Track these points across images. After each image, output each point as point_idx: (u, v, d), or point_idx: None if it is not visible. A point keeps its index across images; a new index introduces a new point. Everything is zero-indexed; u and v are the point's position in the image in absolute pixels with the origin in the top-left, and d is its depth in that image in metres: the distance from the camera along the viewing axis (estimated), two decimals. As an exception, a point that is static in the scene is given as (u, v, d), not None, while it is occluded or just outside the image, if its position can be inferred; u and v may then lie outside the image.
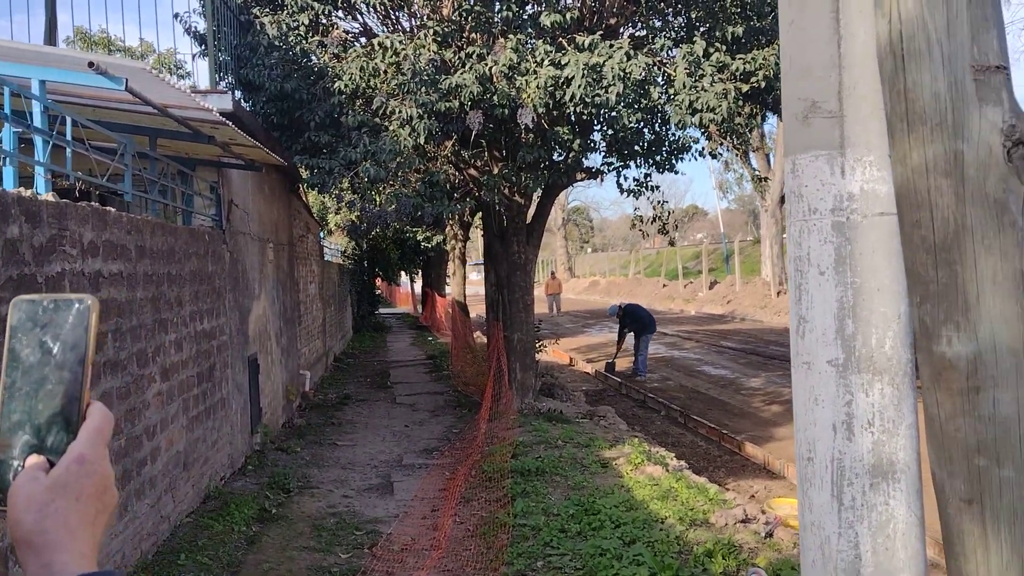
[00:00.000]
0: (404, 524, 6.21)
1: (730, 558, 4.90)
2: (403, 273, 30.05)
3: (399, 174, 8.67)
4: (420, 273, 29.75)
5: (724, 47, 8.45)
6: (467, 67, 8.06)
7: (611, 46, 7.96)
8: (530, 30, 8.51)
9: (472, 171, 10.08)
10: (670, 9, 9.49)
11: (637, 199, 10.24)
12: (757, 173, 25.62)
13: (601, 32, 8.43)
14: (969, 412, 1.37)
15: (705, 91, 8.12)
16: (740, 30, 8.36)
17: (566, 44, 8.27)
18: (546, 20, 8.07)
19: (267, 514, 6.45)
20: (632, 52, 7.98)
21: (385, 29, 9.75)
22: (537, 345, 11.89)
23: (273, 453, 8.56)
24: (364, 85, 8.38)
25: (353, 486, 7.45)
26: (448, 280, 23.18)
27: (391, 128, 8.20)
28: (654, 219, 10.71)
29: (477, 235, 21.68)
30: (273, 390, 9.63)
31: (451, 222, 17.91)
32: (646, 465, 7.27)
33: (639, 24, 9.60)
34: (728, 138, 10.25)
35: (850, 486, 2.77)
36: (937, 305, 1.41)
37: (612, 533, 5.50)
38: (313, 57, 8.99)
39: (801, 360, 2.91)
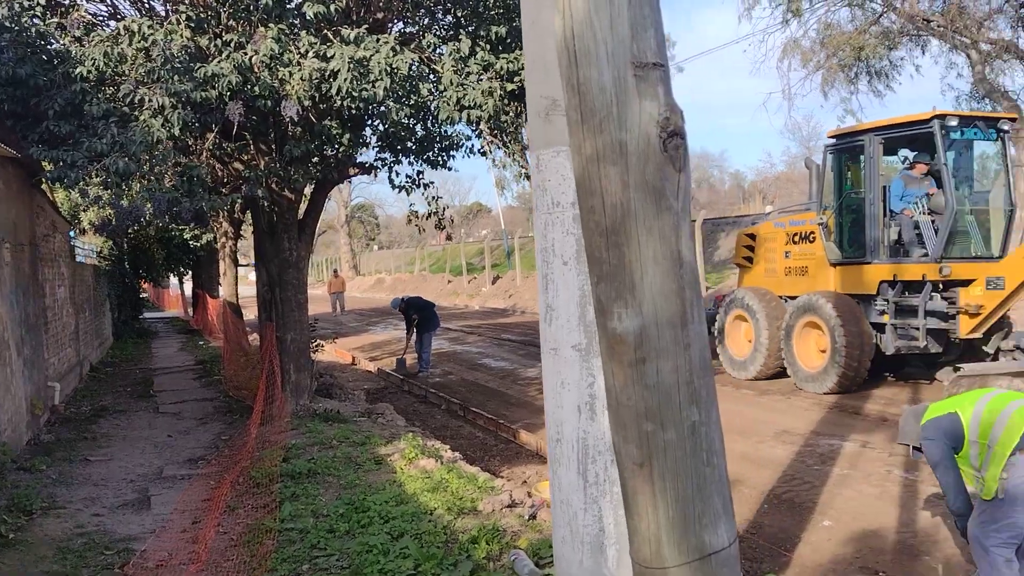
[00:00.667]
0: (161, 539, 5.85)
1: (494, 543, 5.05)
2: (171, 275, 28.26)
3: (154, 168, 8.13)
4: (191, 274, 28.13)
5: (489, 47, 8.66)
6: (225, 56, 7.69)
7: (378, 40, 7.91)
8: (293, 20, 8.28)
9: (238, 165, 9.65)
10: (438, 7, 9.59)
11: (409, 195, 10.27)
12: (525, 171, 26.49)
13: (368, 26, 8.36)
14: (637, 381, 1.49)
15: (472, 88, 8.28)
16: (503, 30, 8.60)
17: (332, 37, 8.12)
18: (310, 11, 7.87)
19: (2, 539, 5.83)
20: (399, 47, 7.98)
21: (137, 12, 9.10)
22: (313, 345, 11.61)
23: (14, 474, 7.75)
24: (110, 71, 7.77)
25: (106, 503, 6.91)
26: (220, 281, 22.13)
27: (142, 118, 7.66)
28: (429, 215, 10.78)
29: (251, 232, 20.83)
30: (14, 405, 8.71)
31: (218, 220, 17.06)
32: (420, 459, 7.32)
33: (407, 20, 9.62)
34: (498, 136, 10.53)
35: (593, 463, 2.92)
36: (609, 284, 1.52)
37: (381, 529, 5.49)
38: (52, 40, 8.21)
39: (549, 346, 3.04)
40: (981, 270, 9.99)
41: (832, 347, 10.58)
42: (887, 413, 9.72)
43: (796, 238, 12.15)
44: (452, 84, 8.31)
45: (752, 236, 13.16)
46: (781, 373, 11.84)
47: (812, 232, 11.77)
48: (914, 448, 4.44)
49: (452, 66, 8.34)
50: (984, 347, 10.54)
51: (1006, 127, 10.51)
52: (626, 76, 1.43)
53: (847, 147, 11.40)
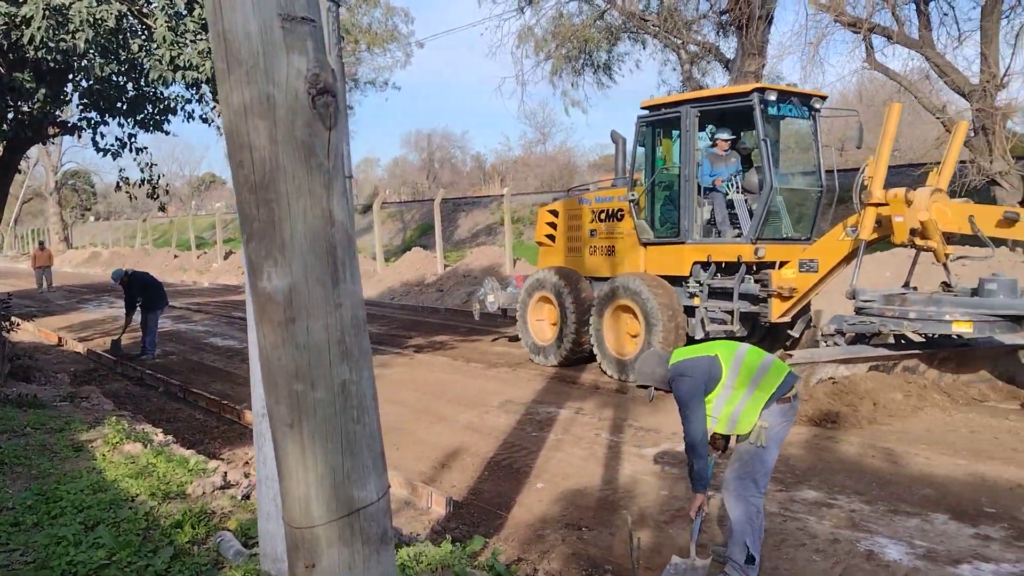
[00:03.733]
0: None
1: (200, 526, 4.81)
2: None
3: None
4: None
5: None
6: None
7: (78, -14, 7.17)
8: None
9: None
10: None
11: (115, 159, 9.45)
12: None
13: (67, -31, 7.53)
14: (288, 341, 1.47)
15: (188, 47, 7.76)
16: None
17: (23, -23, 7.23)
18: (-7, -55, 6.96)
19: None
20: (104, -4, 7.29)
21: None
22: (6, 324, 10.38)
23: None
24: None
25: None
26: None
27: None
28: (142, 183, 9.98)
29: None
30: None
31: None
32: (125, 444, 6.80)
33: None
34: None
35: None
36: (259, 243, 1.48)
37: (74, 519, 5.02)
38: None
39: (256, 320, 2.92)
40: (794, 252, 9.76)
41: (647, 332, 10.00)
42: (600, 382, 10.50)
43: (603, 216, 11.42)
44: (165, 41, 7.74)
45: (555, 213, 12.36)
46: (589, 358, 11.21)
47: (621, 210, 11.07)
48: (656, 388, 4.48)
49: (166, 22, 7.76)
50: (790, 331, 10.49)
51: (818, 105, 10.26)
52: (273, 27, 1.39)
53: (661, 119, 10.63)
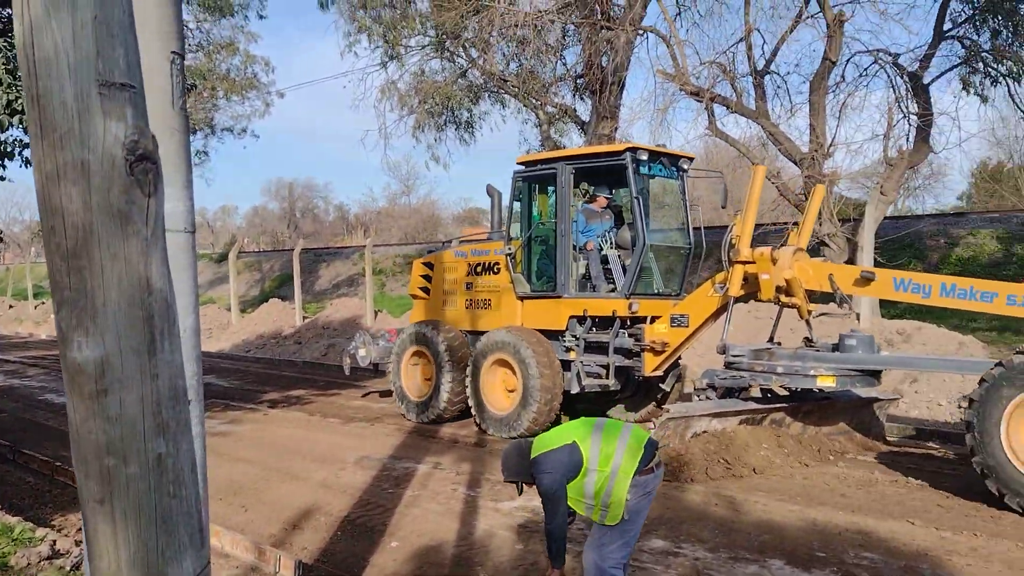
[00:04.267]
0: None
1: (20, 603, 4.45)
2: None
3: None
4: None
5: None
6: None
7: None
8: None
9: None
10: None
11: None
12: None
13: None
14: (99, 414, 1.42)
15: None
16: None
17: None
18: None
19: None
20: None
21: None
22: None
23: None
24: None
25: None
26: None
27: None
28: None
29: None
30: None
31: None
32: (-63, 514, 6.21)
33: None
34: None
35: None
36: (70, 311, 1.43)
37: None
38: None
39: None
40: (665, 307, 9.98)
41: (525, 387, 9.91)
42: (459, 435, 10.49)
43: (479, 269, 11.39)
44: (2, 84, 7.34)
45: (430, 265, 12.23)
46: (464, 414, 11.06)
47: (497, 263, 11.09)
48: (523, 483, 4.43)
49: (3, 64, 7.37)
50: (661, 384, 10.72)
51: (686, 166, 10.66)
52: (91, 93, 1.37)
53: (536, 175, 10.88)
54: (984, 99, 16.86)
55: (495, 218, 11.75)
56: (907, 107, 16.26)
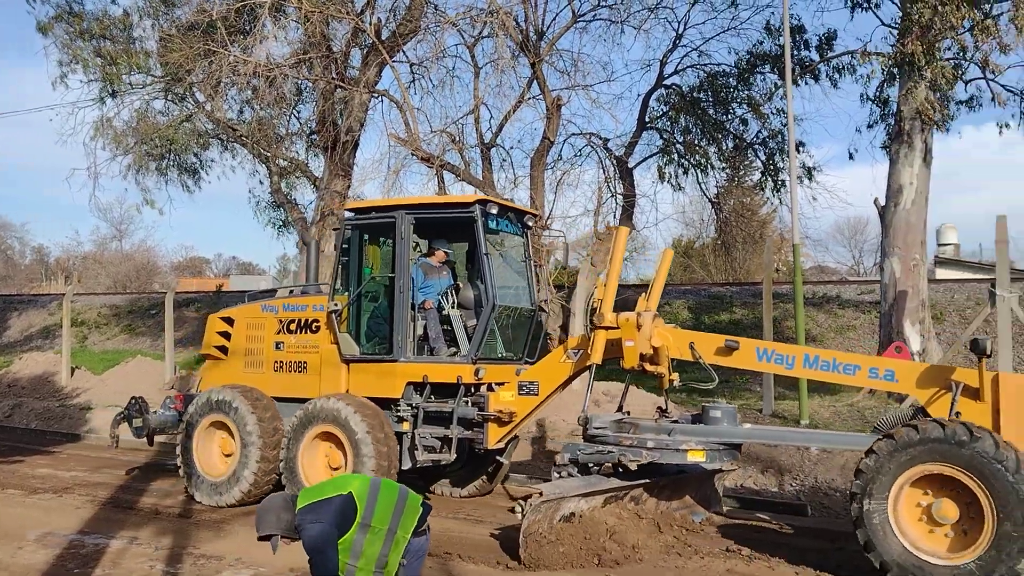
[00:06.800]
0: None
1: None
2: None
3: None
4: None
5: None
6: None
7: None
8: None
9: None
10: None
11: None
12: None
13: None
14: None
15: None
16: None
17: None
18: None
19: None
20: None
21: None
22: None
23: None
24: None
25: None
26: None
27: None
28: None
29: None
30: None
31: None
32: None
33: None
34: None
35: None
36: None
37: None
38: None
39: None
40: (510, 373, 9.21)
41: (356, 462, 8.77)
42: (161, 506, 9.52)
43: (293, 326, 9.95)
44: None
45: (229, 321, 10.61)
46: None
47: (317, 320, 9.74)
48: (282, 538, 4.08)
49: None
50: (499, 457, 9.75)
51: (531, 223, 10.07)
52: None
53: (370, 224, 9.67)
54: (677, 187, 19.20)
55: (309, 270, 10.90)
56: (615, 187, 18.08)
